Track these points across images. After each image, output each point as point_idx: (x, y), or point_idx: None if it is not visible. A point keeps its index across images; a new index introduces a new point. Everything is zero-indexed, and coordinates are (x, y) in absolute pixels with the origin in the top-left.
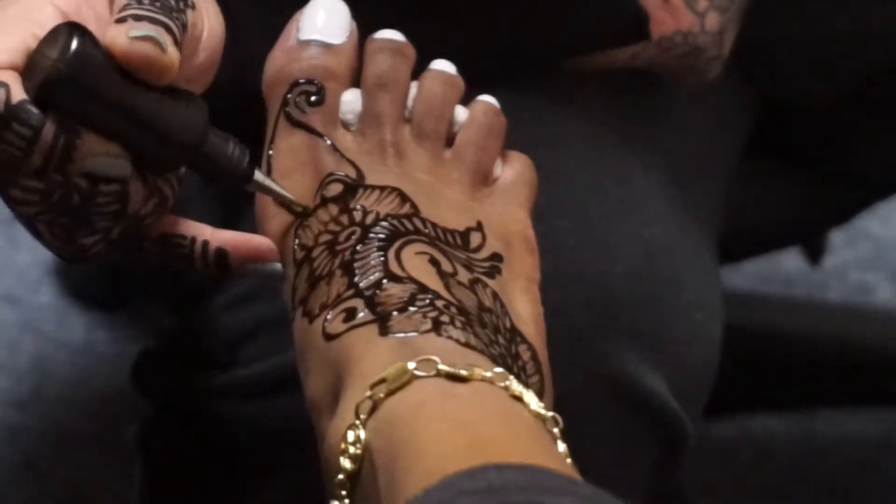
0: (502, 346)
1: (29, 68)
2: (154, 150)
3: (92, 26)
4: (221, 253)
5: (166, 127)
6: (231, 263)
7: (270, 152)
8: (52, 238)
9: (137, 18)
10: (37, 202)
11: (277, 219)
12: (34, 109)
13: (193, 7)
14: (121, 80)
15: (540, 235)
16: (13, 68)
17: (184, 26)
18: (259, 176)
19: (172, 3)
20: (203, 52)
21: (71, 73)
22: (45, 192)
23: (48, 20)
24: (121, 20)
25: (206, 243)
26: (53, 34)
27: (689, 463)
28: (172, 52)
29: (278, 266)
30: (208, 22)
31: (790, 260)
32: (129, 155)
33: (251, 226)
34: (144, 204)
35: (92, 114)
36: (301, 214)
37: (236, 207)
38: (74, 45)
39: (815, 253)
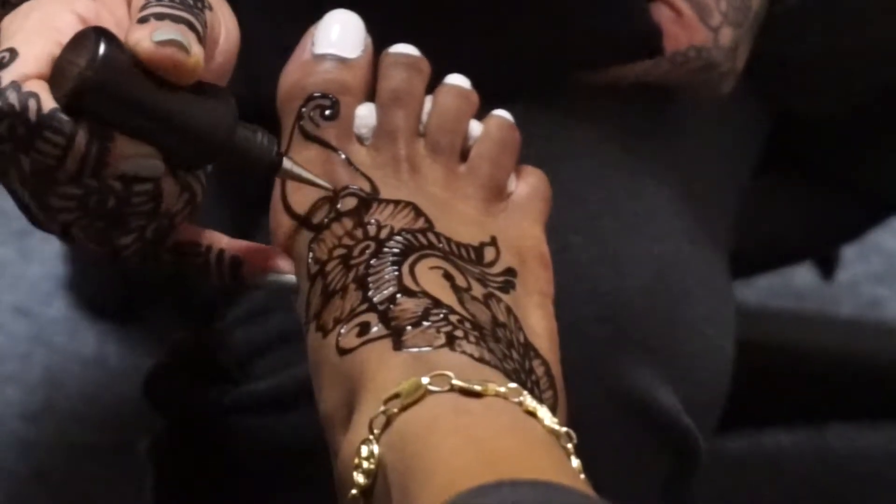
0: (516, 360)
1: (56, 76)
2: (185, 147)
3: (112, 30)
4: (236, 262)
5: (196, 124)
6: (245, 273)
7: None
8: (89, 242)
9: (159, 17)
10: (74, 208)
11: (291, 232)
12: (65, 117)
13: (210, 9)
14: (148, 82)
15: (552, 250)
16: (40, 77)
17: (203, 24)
18: (288, 164)
19: (191, 1)
20: (220, 55)
21: (100, 80)
22: (82, 198)
23: (69, 27)
24: (143, 20)
25: (221, 252)
26: (78, 40)
27: (700, 477)
28: (197, 51)
29: (293, 278)
30: (224, 25)
31: (802, 274)
32: (161, 154)
33: (265, 238)
34: (177, 200)
35: (123, 118)
36: (332, 196)
37: (251, 219)
38: (102, 50)
39: (827, 267)
